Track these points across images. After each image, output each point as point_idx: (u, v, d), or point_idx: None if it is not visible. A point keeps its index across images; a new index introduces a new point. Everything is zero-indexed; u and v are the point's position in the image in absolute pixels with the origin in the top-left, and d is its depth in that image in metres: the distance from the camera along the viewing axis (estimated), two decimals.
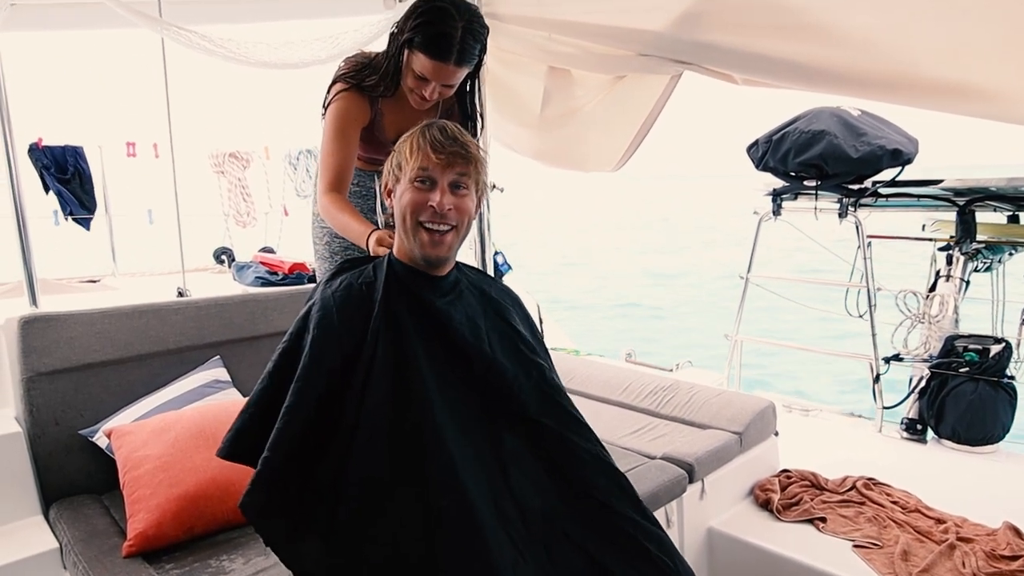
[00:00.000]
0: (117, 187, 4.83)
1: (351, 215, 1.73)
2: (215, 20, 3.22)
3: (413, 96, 1.79)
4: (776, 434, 2.67)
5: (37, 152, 4.42)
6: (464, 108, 1.95)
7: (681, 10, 2.37)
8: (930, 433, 3.08)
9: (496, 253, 3.42)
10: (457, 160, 1.34)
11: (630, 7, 2.54)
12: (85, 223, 4.66)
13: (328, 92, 1.86)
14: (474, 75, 1.85)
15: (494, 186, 2.85)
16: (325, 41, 2.57)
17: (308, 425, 1.25)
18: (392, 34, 1.75)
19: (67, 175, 4.49)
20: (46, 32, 3.21)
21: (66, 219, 4.55)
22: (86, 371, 2.08)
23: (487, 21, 2.74)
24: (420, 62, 1.69)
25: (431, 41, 1.66)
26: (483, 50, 1.77)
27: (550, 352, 1.63)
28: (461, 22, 1.66)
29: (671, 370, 3.99)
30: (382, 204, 2.07)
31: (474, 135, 1.96)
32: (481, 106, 2.14)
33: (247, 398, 1.36)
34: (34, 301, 2.32)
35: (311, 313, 1.35)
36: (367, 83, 1.82)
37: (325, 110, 1.88)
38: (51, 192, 4.54)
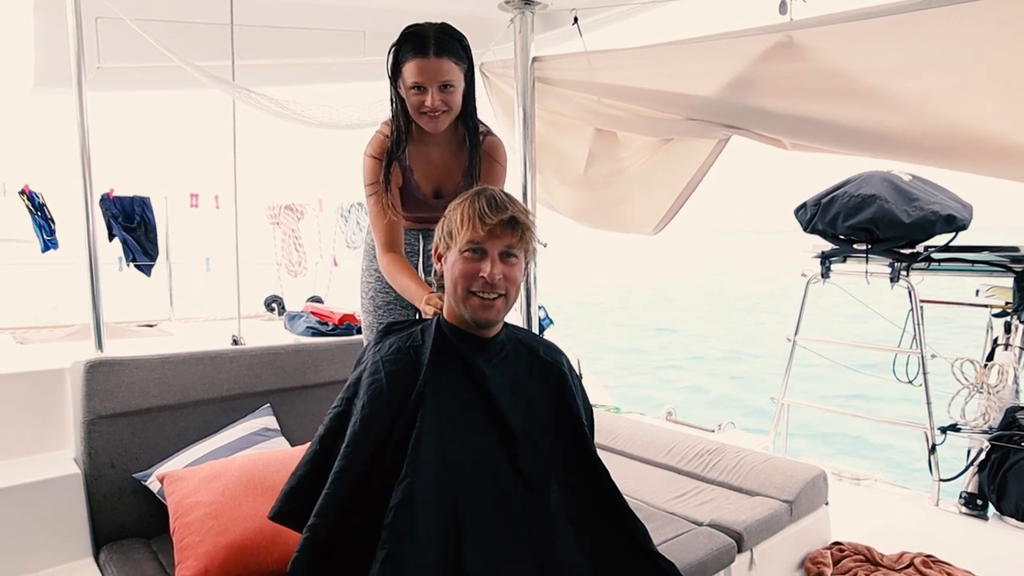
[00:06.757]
0: (179, 236, 5.06)
1: (410, 277, 1.80)
2: (282, 82, 3.40)
3: (423, 119, 1.84)
4: (827, 503, 2.58)
5: (108, 202, 4.70)
6: (473, 140, 1.97)
7: (732, 76, 2.39)
8: (991, 509, 2.94)
9: (539, 307, 3.43)
10: (507, 231, 1.38)
11: (680, 72, 2.57)
12: (146, 269, 4.89)
13: (363, 165, 1.95)
14: (469, 96, 1.89)
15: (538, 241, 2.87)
16: (384, 103, 2.68)
17: (356, 489, 1.28)
18: (390, 81, 1.85)
19: (133, 224, 4.75)
20: (126, 92, 3.44)
21: (128, 265, 4.77)
22: (143, 415, 2.15)
23: (537, 85, 2.86)
24: (407, 71, 1.77)
25: (409, 45, 1.76)
26: (468, 55, 1.83)
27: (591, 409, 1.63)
28: (433, 27, 1.78)
29: (713, 430, 3.91)
30: (426, 264, 2.11)
31: (475, 148, 1.97)
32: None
33: (300, 459, 1.39)
34: (100, 345, 2.41)
35: (362, 378, 1.39)
36: (390, 151, 1.91)
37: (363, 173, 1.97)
38: (115, 239, 4.79)
